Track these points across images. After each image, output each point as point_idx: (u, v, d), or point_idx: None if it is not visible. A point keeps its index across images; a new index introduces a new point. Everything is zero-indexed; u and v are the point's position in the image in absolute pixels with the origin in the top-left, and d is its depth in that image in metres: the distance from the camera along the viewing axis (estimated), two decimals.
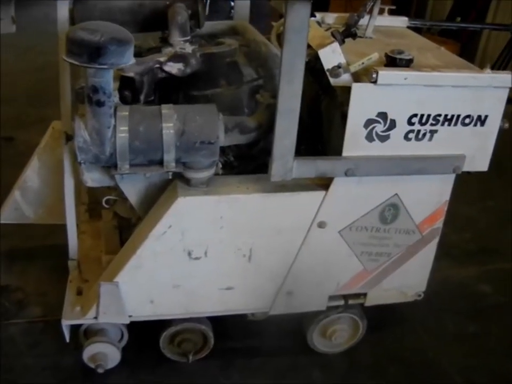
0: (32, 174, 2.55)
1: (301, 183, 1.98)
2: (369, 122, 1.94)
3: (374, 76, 1.85)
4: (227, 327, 2.36)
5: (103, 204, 2.30)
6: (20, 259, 2.87)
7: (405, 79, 1.88)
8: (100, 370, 2.22)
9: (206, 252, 2.06)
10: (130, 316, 2.13)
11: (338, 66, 1.91)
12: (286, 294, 2.27)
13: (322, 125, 2.23)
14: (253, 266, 2.16)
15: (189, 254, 2.04)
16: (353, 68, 1.93)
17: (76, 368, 2.27)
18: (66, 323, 2.18)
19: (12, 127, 4.41)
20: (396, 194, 2.11)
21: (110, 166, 1.89)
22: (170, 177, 1.94)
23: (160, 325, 2.23)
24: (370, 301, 2.38)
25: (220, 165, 2.06)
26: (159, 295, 2.12)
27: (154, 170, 1.94)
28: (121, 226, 2.51)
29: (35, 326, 2.51)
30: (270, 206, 2.03)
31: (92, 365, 2.20)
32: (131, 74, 1.98)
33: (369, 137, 1.97)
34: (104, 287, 2.08)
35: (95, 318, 2.17)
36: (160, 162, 1.87)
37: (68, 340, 2.20)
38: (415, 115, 1.95)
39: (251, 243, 2.10)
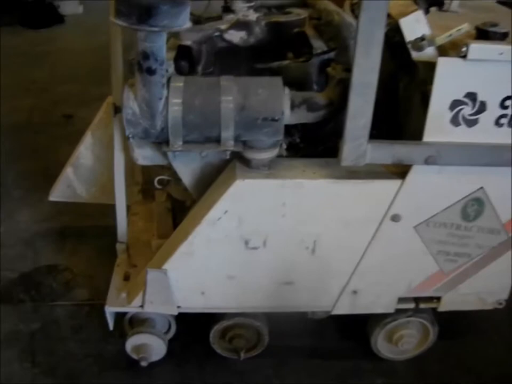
0: (85, 151, 2.43)
1: (374, 170, 1.77)
2: (455, 103, 1.69)
3: (464, 49, 1.59)
4: (284, 324, 2.14)
5: (155, 184, 2.13)
6: (71, 238, 2.80)
7: (500, 54, 1.61)
8: (143, 363, 2.06)
9: (265, 242, 1.85)
10: (178, 307, 1.97)
11: (422, 39, 1.66)
12: (351, 293, 2.05)
13: (399, 107, 1.98)
14: (316, 261, 1.95)
15: (246, 243, 1.84)
16: (440, 40, 1.67)
17: (119, 358, 2.13)
18: (110, 310, 2.03)
19: (73, 105, 4.37)
20: (482, 187, 1.85)
21: (161, 142, 1.71)
22: (228, 157, 1.74)
23: (211, 318, 2.06)
24: (444, 306, 2.13)
25: (284, 146, 1.85)
26: (211, 286, 1.94)
27: (211, 148, 1.75)
28: (175, 209, 2.33)
29: (81, 310, 2.40)
30: (338, 194, 1.79)
31: (135, 356, 2.05)
32: (188, 42, 1.80)
33: (455, 121, 1.72)
34: (152, 274, 1.91)
35: (141, 306, 2.01)
36: (217, 140, 1.69)
37: (111, 328, 2.01)
38: (510, 97, 1.69)
39: (315, 234, 1.89)
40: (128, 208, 2.15)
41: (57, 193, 2.59)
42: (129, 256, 2.24)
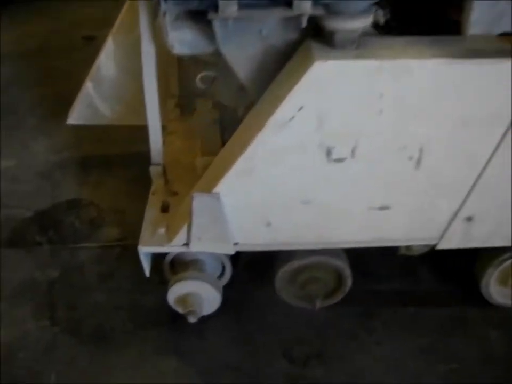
0: (106, 61, 2.06)
1: (504, 47, 1.31)
2: None
3: None
4: (370, 264, 1.81)
5: (198, 83, 1.60)
6: (95, 169, 2.40)
7: None
8: (192, 319, 1.58)
9: (353, 150, 1.38)
10: (236, 244, 1.55)
11: None
12: (465, 220, 1.55)
13: None
14: (422, 176, 1.45)
15: (328, 152, 1.38)
16: None
17: (159, 312, 1.73)
18: (145, 250, 1.56)
19: (94, 27, 3.83)
20: None
21: (206, 9, 1.27)
22: (303, 25, 1.18)
23: (278, 257, 1.66)
24: None
25: (381, 13, 1.29)
26: (280, 214, 1.49)
27: (279, 13, 1.21)
28: (223, 122, 1.80)
29: (110, 253, 1.98)
30: (455, 81, 1.32)
31: (181, 310, 1.64)
32: None
33: None
34: (200, 200, 1.43)
35: (186, 245, 1.54)
36: (288, 2, 1.23)
37: (147, 274, 1.62)
38: None
39: (423, 138, 1.39)
40: (163, 128, 1.79)
41: (77, 115, 2.20)
42: (168, 182, 1.76)
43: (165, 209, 1.70)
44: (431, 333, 1.71)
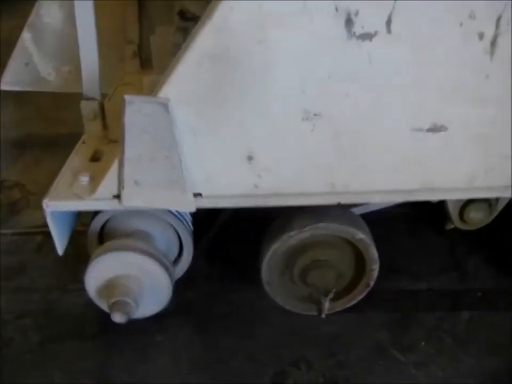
0: (49, 3, 1.59)
1: None
2: None
3: None
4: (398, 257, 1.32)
5: None
6: (33, 149, 1.93)
7: None
8: (119, 318, 1.00)
9: (389, 21, 0.84)
10: (197, 195, 0.97)
11: None
12: None
13: None
14: (498, 69, 0.89)
15: (348, 21, 0.84)
16: None
17: (81, 320, 1.20)
18: (54, 207, 0.97)
19: None
20: None
21: None
22: None
23: (267, 231, 1.13)
24: None
25: None
26: (270, 137, 0.93)
27: None
28: None
29: (28, 241, 1.47)
30: None
31: (105, 307, 1.05)
32: None
33: None
34: (136, 108, 0.85)
35: (117, 197, 0.97)
36: None
37: (60, 252, 1.10)
38: None
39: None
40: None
41: (11, 78, 1.71)
42: (106, 127, 1.17)
43: (95, 159, 1.13)
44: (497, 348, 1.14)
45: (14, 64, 1.65)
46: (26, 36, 1.62)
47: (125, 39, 1.71)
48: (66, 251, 1.22)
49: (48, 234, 1.41)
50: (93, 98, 1.23)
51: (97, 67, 1.25)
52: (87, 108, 1.23)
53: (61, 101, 1.99)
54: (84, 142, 1.22)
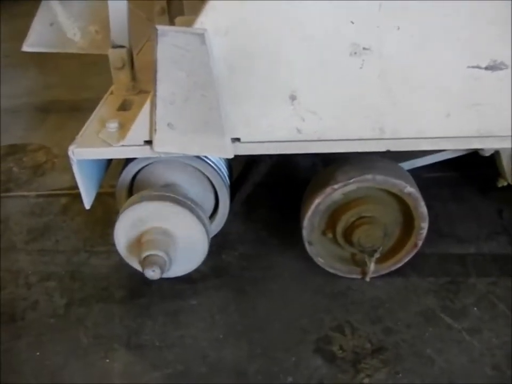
0: None
1: None
2: None
3: None
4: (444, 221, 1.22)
5: None
6: (57, 113, 1.86)
7: None
8: (153, 275, 0.92)
9: None
10: (236, 140, 0.89)
11: None
12: None
13: None
14: None
15: None
16: None
17: (108, 284, 1.13)
18: (81, 155, 0.89)
19: None
20: None
21: None
22: None
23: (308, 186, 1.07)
24: None
25: None
26: (314, 78, 0.85)
27: None
28: None
29: (52, 204, 1.39)
30: None
31: (136, 264, 0.98)
32: None
33: None
34: (169, 40, 0.76)
35: (148, 142, 0.90)
36: None
37: (88, 206, 1.02)
38: None
39: None
40: None
41: (35, 40, 1.62)
42: (135, 78, 1.09)
43: (124, 108, 1.05)
44: None
45: (38, 25, 1.57)
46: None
47: None
48: (94, 213, 1.16)
49: (73, 197, 1.37)
50: (121, 46, 1.17)
51: (126, 13, 1.17)
52: (115, 56, 1.15)
53: (87, 68, 1.94)
54: (111, 93, 1.16)
